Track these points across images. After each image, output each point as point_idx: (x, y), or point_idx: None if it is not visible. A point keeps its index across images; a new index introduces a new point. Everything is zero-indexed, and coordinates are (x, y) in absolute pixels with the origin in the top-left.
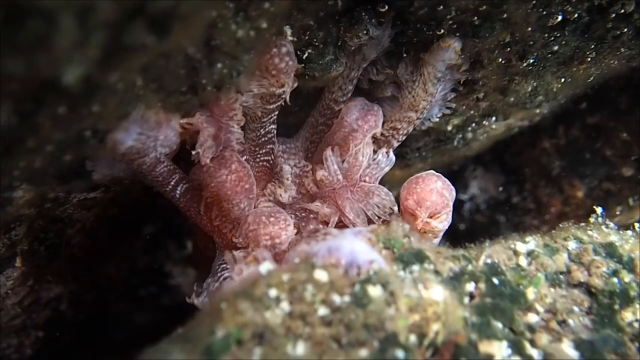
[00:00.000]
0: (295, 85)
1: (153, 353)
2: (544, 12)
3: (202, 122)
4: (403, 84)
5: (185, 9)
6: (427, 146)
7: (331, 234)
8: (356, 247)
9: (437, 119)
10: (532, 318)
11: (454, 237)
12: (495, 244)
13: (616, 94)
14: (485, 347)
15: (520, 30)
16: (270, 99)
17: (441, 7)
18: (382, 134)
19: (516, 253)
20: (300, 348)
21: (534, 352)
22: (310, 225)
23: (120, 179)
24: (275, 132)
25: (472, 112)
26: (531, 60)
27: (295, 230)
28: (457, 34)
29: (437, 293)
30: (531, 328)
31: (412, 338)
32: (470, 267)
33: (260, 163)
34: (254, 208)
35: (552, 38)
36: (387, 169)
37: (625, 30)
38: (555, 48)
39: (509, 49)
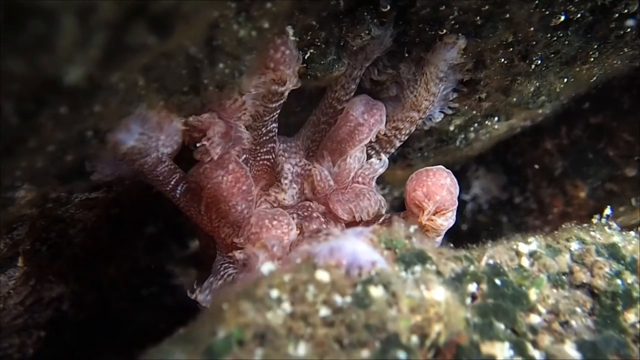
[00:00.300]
0: (299, 84)
1: (155, 353)
2: (547, 12)
3: (213, 119)
4: (405, 84)
5: (186, 9)
6: (429, 146)
7: (333, 235)
8: (358, 247)
9: (440, 119)
10: (534, 319)
11: (456, 237)
12: (497, 245)
13: (619, 94)
14: (487, 348)
15: (522, 30)
16: (272, 98)
17: (443, 7)
18: (384, 134)
19: (518, 254)
20: (302, 349)
21: (536, 353)
22: (312, 225)
23: (121, 178)
24: (276, 130)
25: (474, 112)
26: (534, 60)
27: (298, 231)
28: (460, 34)
29: (439, 294)
30: (533, 329)
31: (414, 339)
32: (472, 268)
33: (261, 162)
34: (256, 209)
35: (555, 38)
36: (381, 170)
37: (628, 30)
38: (558, 48)
39: (511, 49)
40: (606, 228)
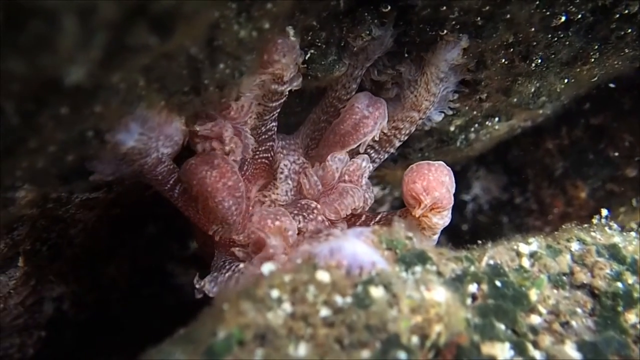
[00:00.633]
0: (300, 85)
1: (155, 353)
2: (548, 13)
3: (222, 124)
4: (405, 84)
5: (187, 10)
6: (429, 147)
7: (333, 235)
8: (358, 248)
9: (440, 120)
10: (534, 319)
11: (457, 237)
12: (497, 245)
13: (620, 94)
14: (487, 348)
15: (523, 30)
16: (272, 97)
17: (444, 7)
18: (384, 133)
19: (519, 254)
20: (302, 349)
21: (536, 353)
22: (311, 223)
23: (121, 179)
24: (275, 129)
25: (475, 112)
26: (535, 61)
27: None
28: (461, 34)
29: (439, 294)
30: (534, 330)
31: (414, 339)
32: (472, 269)
33: (259, 160)
34: (252, 207)
35: (556, 39)
36: (367, 166)
37: (629, 30)
38: (559, 49)
39: (512, 49)
40: (607, 228)
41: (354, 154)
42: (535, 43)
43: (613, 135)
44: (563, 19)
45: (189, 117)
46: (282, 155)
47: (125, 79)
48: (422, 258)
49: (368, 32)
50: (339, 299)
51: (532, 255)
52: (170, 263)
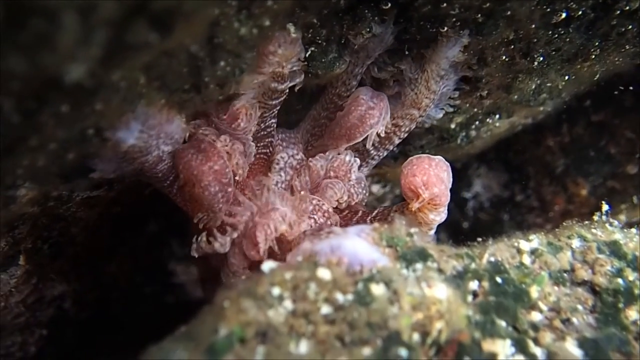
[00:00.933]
0: (302, 77)
1: (156, 351)
2: (548, 10)
3: (233, 143)
4: (406, 81)
5: (187, 7)
6: (430, 144)
7: (334, 233)
8: (359, 245)
9: (440, 117)
10: (535, 316)
11: (457, 235)
12: (498, 242)
13: (621, 91)
14: (488, 345)
15: (524, 27)
16: (272, 95)
17: (445, 4)
18: (384, 131)
19: (520, 251)
20: (304, 346)
21: (537, 350)
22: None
23: (122, 177)
24: (274, 125)
25: (475, 110)
26: (535, 58)
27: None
28: (461, 31)
29: (440, 291)
30: (535, 326)
31: (415, 336)
32: (473, 266)
33: (258, 156)
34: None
35: (556, 35)
36: (351, 160)
37: (630, 27)
38: (560, 45)
39: (512, 46)
40: (608, 225)
41: (360, 152)
42: (535, 40)
43: (614, 132)
44: (564, 15)
45: (188, 115)
46: (281, 148)
47: (125, 76)
48: (422, 255)
49: (368, 30)
50: (340, 297)
51: (533, 252)
52: (171, 261)
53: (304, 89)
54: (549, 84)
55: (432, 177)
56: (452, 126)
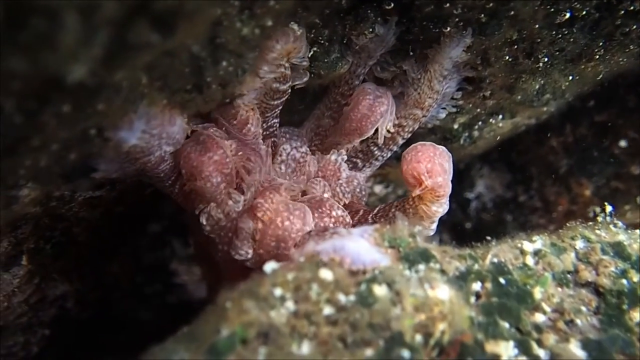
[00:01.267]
0: (306, 78)
1: (158, 352)
2: (552, 9)
3: (249, 157)
4: (409, 82)
5: (189, 7)
6: None
7: (338, 234)
8: (361, 246)
9: (443, 117)
10: (539, 318)
11: (460, 235)
12: (501, 243)
13: (624, 91)
14: (491, 347)
15: (527, 27)
16: (274, 95)
17: (447, 4)
18: (387, 131)
19: (523, 252)
20: (306, 347)
21: (541, 352)
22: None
23: (124, 177)
24: (277, 125)
25: (478, 110)
26: (539, 58)
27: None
28: (465, 31)
29: (443, 292)
30: (538, 328)
31: (418, 337)
32: (476, 267)
33: None
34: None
35: (560, 35)
36: (339, 159)
37: (634, 27)
38: (563, 45)
39: (516, 46)
40: (611, 226)
41: (364, 153)
42: (539, 40)
43: (618, 132)
44: (567, 15)
45: (190, 115)
46: (284, 140)
47: (127, 76)
48: (425, 256)
49: (371, 30)
50: (342, 297)
51: (537, 253)
52: (173, 261)
53: (306, 89)
54: (552, 85)
55: (436, 165)
56: (455, 126)
